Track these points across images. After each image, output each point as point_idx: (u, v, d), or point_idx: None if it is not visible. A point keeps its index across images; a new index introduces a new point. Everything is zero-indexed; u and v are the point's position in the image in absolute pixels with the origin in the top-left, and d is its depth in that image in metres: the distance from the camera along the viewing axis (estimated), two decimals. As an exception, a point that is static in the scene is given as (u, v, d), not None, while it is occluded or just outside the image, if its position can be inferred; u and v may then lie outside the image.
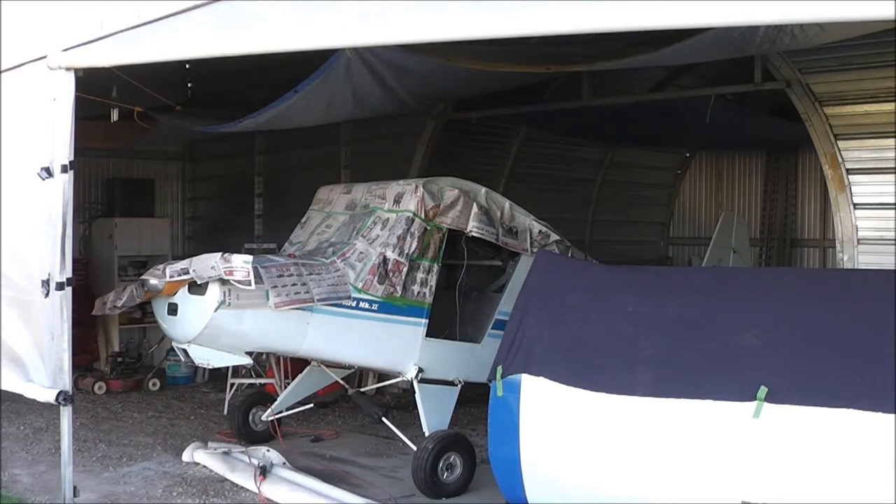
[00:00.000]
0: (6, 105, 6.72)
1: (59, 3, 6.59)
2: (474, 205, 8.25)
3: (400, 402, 10.76)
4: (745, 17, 4.41)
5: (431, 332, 8.15)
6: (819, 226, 14.26)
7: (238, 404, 9.54)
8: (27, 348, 6.60)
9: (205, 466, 8.34)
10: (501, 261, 8.90)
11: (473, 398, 8.77)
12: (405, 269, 7.90)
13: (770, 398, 5.42)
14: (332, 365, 8.97)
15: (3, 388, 6.88)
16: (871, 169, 8.20)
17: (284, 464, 8.10)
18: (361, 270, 7.82)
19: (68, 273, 6.25)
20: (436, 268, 8.13)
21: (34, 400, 6.57)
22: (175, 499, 7.56)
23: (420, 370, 8.00)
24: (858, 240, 8.23)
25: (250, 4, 5.72)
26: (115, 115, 9.11)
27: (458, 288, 8.64)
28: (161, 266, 7.71)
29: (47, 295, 6.24)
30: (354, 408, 10.21)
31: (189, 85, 11.96)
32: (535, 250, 8.38)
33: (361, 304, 7.81)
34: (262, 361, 10.81)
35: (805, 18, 5.20)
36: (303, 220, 9.13)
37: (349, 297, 7.74)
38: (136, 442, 9.39)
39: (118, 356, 12.37)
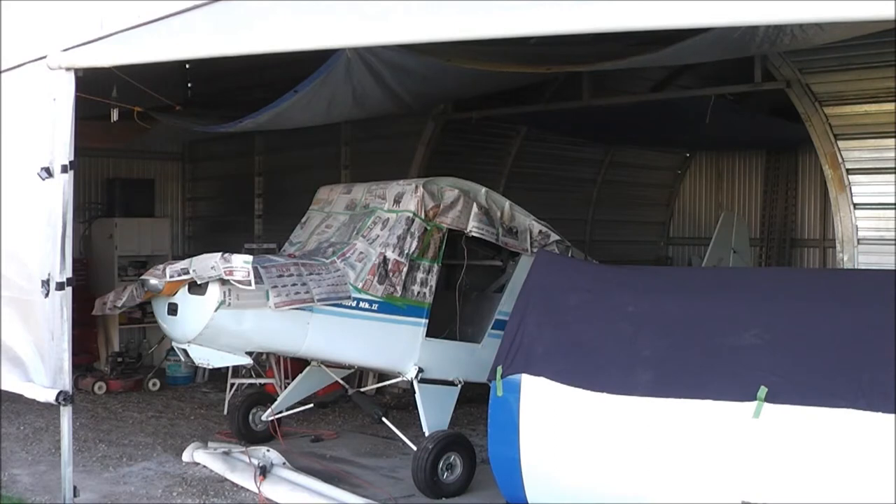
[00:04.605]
0: (6, 105, 6.71)
1: (59, 3, 6.59)
2: (474, 205, 8.25)
3: (400, 402, 10.76)
4: (745, 17, 4.41)
5: (431, 332, 8.15)
6: (819, 226, 14.25)
7: (238, 404, 9.54)
8: (27, 348, 6.60)
9: (205, 466, 8.34)
10: (501, 261, 8.90)
11: (473, 398, 8.77)
12: (405, 269, 7.90)
13: (770, 398, 5.42)
14: (332, 365, 8.97)
15: (3, 388, 6.88)
16: (871, 169, 8.20)
17: (284, 464, 8.10)
18: (361, 270, 7.83)
19: (68, 273, 6.24)
20: (436, 268, 8.13)
21: (34, 400, 6.56)
22: (175, 499, 7.56)
23: (420, 370, 8.00)
24: (858, 240, 8.23)
25: (250, 4, 5.72)
26: (115, 115, 9.11)
27: (458, 288, 8.63)
28: (161, 266, 7.72)
29: (47, 295, 6.24)
30: (354, 408, 10.21)
31: (189, 85, 11.96)
32: (535, 250, 8.38)
33: (361, 304, 7.81)
34: (262, 361, 10.81)
35: (805, 18, 5.20)
36: (303, 220, 9.13)
37: (349, 297, 7.74)
38: (136, 442, 9.39)
39: (118, 356, 12.36)
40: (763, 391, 5.44)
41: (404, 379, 8.19)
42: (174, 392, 12.15)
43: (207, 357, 7.68)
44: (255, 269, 7.18)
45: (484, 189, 8.57)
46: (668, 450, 5.82)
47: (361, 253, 7.93)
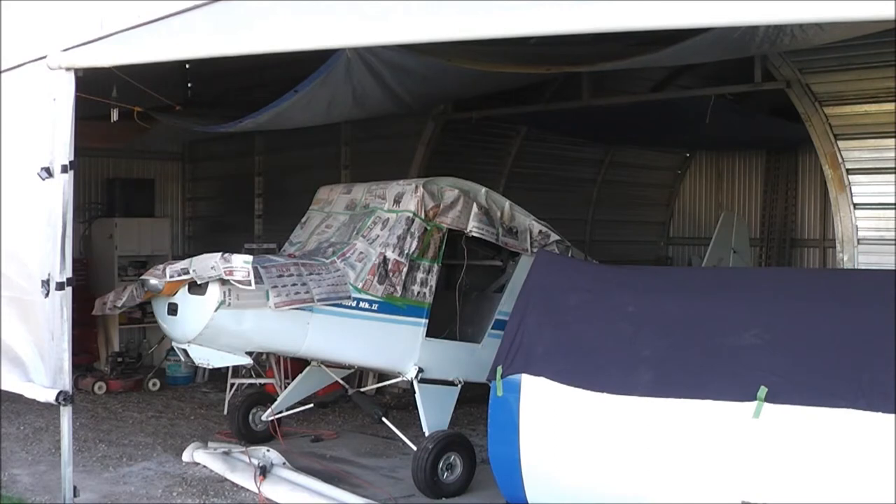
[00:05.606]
0: (6, 105, 6.71)
1: (59, 3, 6.59)
2: (474, 205, 8.25)
3: (400, 402, 10.76)
4: (745, 17, 4.41)
5: (431, 332, 8.15)
6: (819, 226, 14.25)
7: (238, 404, 9.54)
8: (27, 348, 6.60)
9: (205, 466, 8.34)
10: (501, 261, 8.90)
11: (473, 398, 8.77)
12: (405, 269, 7.90)
13: (770, 398, 5.42)
14: (332, 365, 8.97)
15: (3, 388, 6.88)
16: (871, 169, 8.20)
17: (284, 464, 8.10)
18: (361, 270, 7.83)
19: (68, 273, 6.24)
20: (436, 268, 8.13)
21: (34, 400, 6.56)
22: (175, 499, 7.56)
23: (420, 370, 8.00)
24: (858, 240, 8.23)
25: (250, 4, 5.72)
26: (115, 115, 9.11)
27: (458, 288, 8.63)
28: (161, 266, 7.72)
29: (47, 295, 6.24)
30: (354, 408, 10.21)
31: (189, 85, 11.96)
32: (535, 250, 8.38)
33: (361, 304, 7.81)
34: (262, 361, 10.81)
35: (805, 18, 5.20)
36: (303, 220, 9.14)
37: (349, 297, 7.74)
38: (136, 442, 9.39)
39: (118, 356, 12.37)
40: (763, 391, 5.44)
41: (404, 379, 8.20)
42: (174, 392, 12.15)
43: (207, 357, 7.68)
44: (255, 269, 7.19)
45: (484, 189, 8.57)
46: (668, 450, 5.82)
47: (361, 253, 7.93)
